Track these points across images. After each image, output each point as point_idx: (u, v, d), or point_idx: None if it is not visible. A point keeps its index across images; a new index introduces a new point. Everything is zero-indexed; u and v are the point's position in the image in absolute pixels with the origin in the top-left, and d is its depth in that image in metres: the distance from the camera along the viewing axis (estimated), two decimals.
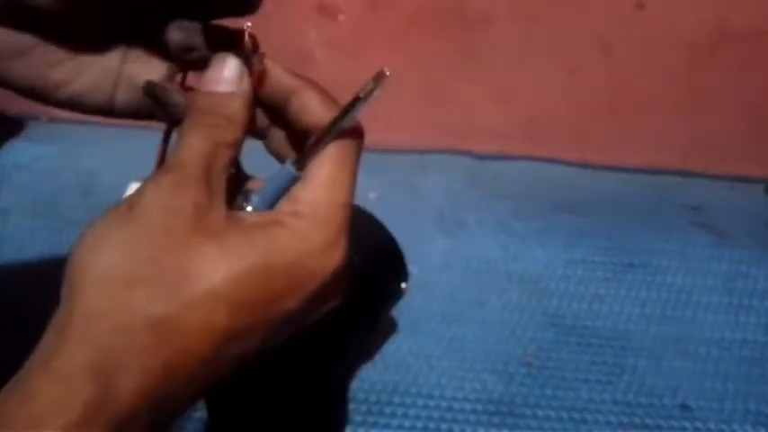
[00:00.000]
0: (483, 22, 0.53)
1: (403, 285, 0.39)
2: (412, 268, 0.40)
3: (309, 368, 0.35)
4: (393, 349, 0.42)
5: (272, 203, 0.21)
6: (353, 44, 0.54)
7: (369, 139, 0.21)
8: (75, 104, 0.23)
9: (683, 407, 0.40)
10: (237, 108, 0.21)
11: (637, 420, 0.39)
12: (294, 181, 0.21)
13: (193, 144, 0.20)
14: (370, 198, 0.53)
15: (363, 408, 0.39)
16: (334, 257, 0.20)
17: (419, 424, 0.38)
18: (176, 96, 0.22)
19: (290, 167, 0.21)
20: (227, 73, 0.21)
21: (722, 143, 0.57)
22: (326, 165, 0.21)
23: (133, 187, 0.50)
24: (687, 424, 0.39)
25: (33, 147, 0.58)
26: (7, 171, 0.56)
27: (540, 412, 0.39)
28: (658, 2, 0.52)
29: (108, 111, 0.23)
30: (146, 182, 0.20)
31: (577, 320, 0.45)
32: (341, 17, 0.54)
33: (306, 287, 0.20)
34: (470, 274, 0.48)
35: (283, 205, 0.21)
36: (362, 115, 0.21)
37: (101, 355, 0.18)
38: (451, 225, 0.52)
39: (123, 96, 0.23)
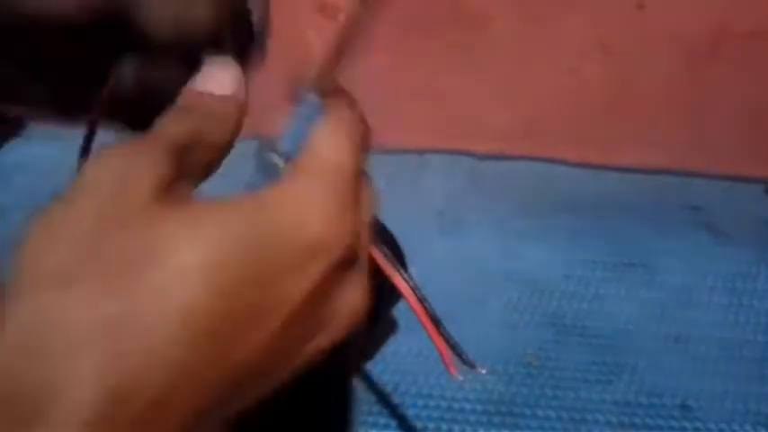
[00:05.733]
0: (483, 22, 0.53)
1: None
2: (412, 268, 0.40)
3: (310, 369, 0.35)
4: (393, 349, 0.42)
5: (301, 144, 0.18)
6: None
7: None
8: None
9: (684, 407, 0.40)
10: (231, 111, 0.18)
11: (637, 420, 0.39)
12: (319, 111, 0.18)
13: (167, 126, 0.17)
14: None
15: (363, 408, 0.39)
16: (343, 233, 0.16)
17: (419, 424, 0.38)
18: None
19: (311, 96, 0.18)
20: (225, 77, 0.19)
21: (722, 143, 0.57)
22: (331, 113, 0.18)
23: None
24: (687, 424, 0.39)
25: (33, 147, 0.58)
26: (7, 171, 0.56)
27: (540, 412, 0.39)
28: (659, 2, 0.52)
29: None
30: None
31: (577, 320, 0.45)
32: (341, 17, 0.54)
33: (312, 268, 0.16)
34: (470, 274, 0.48)
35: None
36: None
37: (34, 388, 0.13)
38: (451, 225, 0.52)
39: None
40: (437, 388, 0.40)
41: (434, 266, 0.48)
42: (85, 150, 0.21)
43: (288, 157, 0.18)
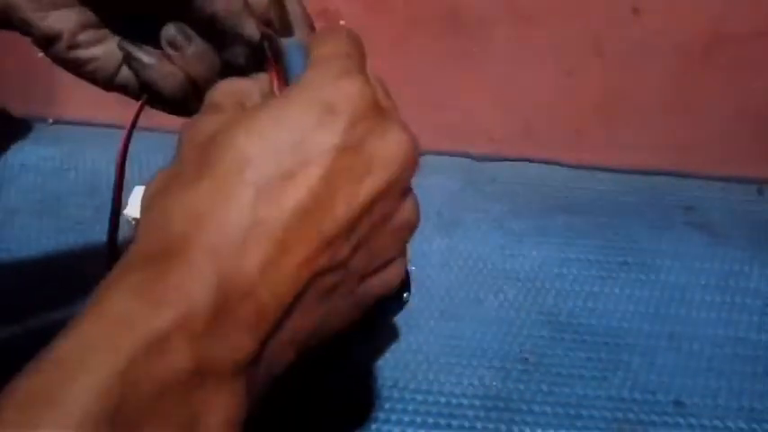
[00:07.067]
0: (480, 26, 0.54)
1: (405, 295, 0.39)
2: (411, 267, 0.41)
3: (308, 379, 0.35)
4: (392, 345, 0.43)
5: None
6: None
7: None
8: (82, 69, 0.25)
9: (677, 403, 0.41)
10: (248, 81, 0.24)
11: (631, 416, 0.40)
12: (302, 46, 0.23)
13: (210, 98, 0.23)
14: None
15: (363, 403, 0.40)
16: (348, 88, 0.21)
17: (418, 419, 0.39)
18: (146, 55, 0.24)
19: (291, 40, 0.24)
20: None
21: (716, 144, 0.58)
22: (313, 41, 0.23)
23: (138, 191, 0.51)
24: (681, 420, 0.40)
25: (40, 148, 0.59)
26: (14, 172, 0.56)
27: (536, 408, 0.40)
28: (654, 6, 0.52)
29: (106, 82, 0.25)
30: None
31: (573, 318, 0.46)
32: (342, 22, 0.55)
33: (331, 124, 0.20)
34: (468, 273, 0.49)
35: None
36: None
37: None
38: (449, 225, 0.53)
39: (125, 74, 0.25)
40: (435, 383, 0.41)
41: (433, 265, 0.49)
42: (125, 147, 0.25)
43: None
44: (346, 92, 0.21)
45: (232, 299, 0.18)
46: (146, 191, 0.21)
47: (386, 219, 0.22)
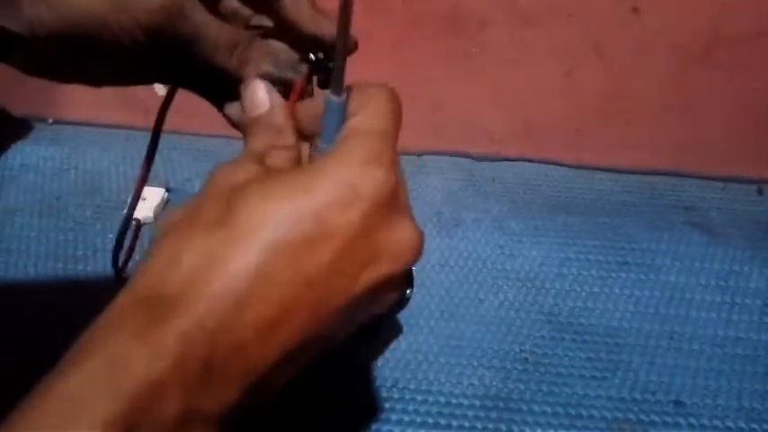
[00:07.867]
0: (480, 27, 0.54)
1: (408, 292, 0.39)
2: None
3: (309, 376, 0.35)
4: (392, 345, 0.43)
5: (335, 137, 0.23)
6: None
7: None
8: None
9: (677, 403, 0.41)
10: (280, 120, 0.25)
11: (631, 416, 0.40)
12: (341, 106, 0.23)
13: (250, 146, 0.24)
14: None
15: (364, 403, 0.40)
16: (376, 176, 0.21)
17: (418, 419, 0.39)
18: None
19: (332, 97, 0.23)
20: (259, 96, 0.25)
21: (715, 144, 0.58)
22: (355, 97, 0.23)
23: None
24: (681, 420, 0.40)
25: (40, 148, 0.59)
26: (14, 172, 0.57)
27: (536, 407, 0.40)
28: (653, 6, 0.52)
29: None
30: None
31: (572, 318, 0.46)
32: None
33: (354, 206, 0.21)
34: (468, 273, 0.49)
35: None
36: None
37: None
38: (449, 225, 0.53)
39: None
40: (436, 383, 0.41)
41: (433, 265, 0.49)
42: (152, 148, 0.26)
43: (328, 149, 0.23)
44: (373, 179, 0.21)
45: (225, 352, 0.19)
46: (165, 220, 0.22)
47: (374, 300, 0.23)
